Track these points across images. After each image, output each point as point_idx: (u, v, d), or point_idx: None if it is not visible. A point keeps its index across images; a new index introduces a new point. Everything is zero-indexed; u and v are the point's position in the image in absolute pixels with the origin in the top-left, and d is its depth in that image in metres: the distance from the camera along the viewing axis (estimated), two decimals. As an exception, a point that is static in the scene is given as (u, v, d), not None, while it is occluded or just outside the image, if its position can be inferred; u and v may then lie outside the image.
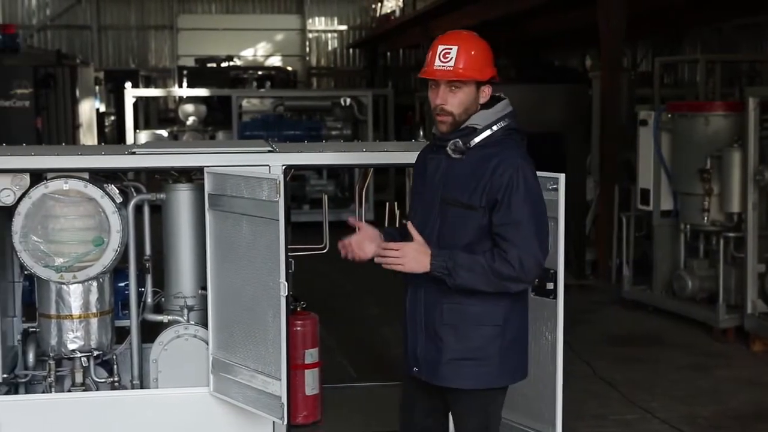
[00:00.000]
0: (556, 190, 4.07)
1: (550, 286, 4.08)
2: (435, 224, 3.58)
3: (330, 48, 29.03)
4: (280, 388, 4.53)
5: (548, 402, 4.14)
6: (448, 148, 3.58)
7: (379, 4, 26.29)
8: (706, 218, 8.23)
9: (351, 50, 29.10)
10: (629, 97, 10.78)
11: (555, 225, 4.07)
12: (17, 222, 4.92)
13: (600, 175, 10.44)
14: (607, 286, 9.85)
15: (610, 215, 9.96)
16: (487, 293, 3.51)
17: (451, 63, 3.51)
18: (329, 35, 29.05)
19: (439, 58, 3.53)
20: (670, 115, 8.70)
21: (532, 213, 3.51)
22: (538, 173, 4.12)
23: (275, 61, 28.15)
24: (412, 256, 3.50)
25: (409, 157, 4.95)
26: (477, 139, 3.56)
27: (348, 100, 15.25)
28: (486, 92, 3.61)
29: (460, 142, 3.55)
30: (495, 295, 3.53)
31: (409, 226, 3.58)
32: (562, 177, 4.08)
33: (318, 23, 28.94)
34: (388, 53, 27.13)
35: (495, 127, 3.58)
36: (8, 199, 4.91)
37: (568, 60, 21.01)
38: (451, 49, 3.53)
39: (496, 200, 3.48)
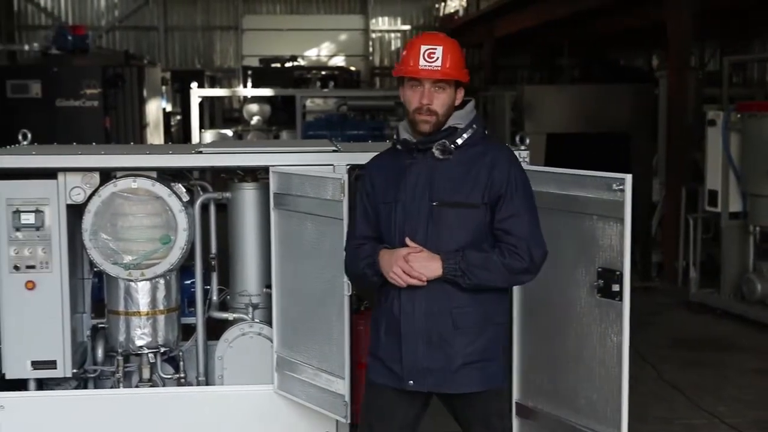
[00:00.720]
0: (623, 190, 4.01)
1: (615, 287, 4.02)
2: (426, 230, 3.54)
3: (393, 48, 29.04)
4: (344, 387, 4.54)
5: (613, 404, 4.08)
6: (434, 150, 3.56)
7: (443, 4, 26.25)
8: (776, 220, 8.09)
9: (414, 50, 29.07)
10: (697, 96, 10.63)
11: (621, 226, 4.02)
12: (87, 220, 5.01)
13: (666, 175, 10.32)
14: (673, 288, 9.73)
15: (677, 217, 9.83)
16: (490, 292, 3.53)
17: (438, 63, 3.52)
18: (392, 35, 29.08)
19: (424, 58, 3.53)
20: (739, 115, 8.56)
21: (530, 204, 3.58)
22: (604, 174, 4.10)
23: (339, 61, 28.27)
24: (422, 265, 3.49)
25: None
26: (463, 138, 3.58)
27: (411, 100, 15.21)
28: (460, 95, 3.64)
29: (448, 143, 3.55)
30: (497, 293, 3.57)
31: (408, 240, 3.53)
32: (628, 178, 4.02)
33: (381, 23, 28.99)
34: (452, 53, 27.04)
35: (475, 125, 3.62)
36: (79, 198, 5.00)
37: (633, 59, 20.77)
38: (435, 49, 3.54)
39: (499, 196, 3.51)
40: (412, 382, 3.57)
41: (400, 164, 3.65)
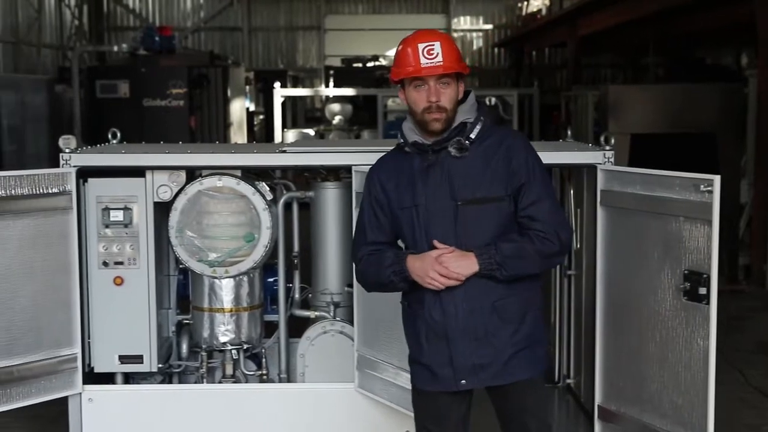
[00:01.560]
0: (711, 192, 3.94)
1: (702, 291, 3.95)
2: (455, 230, 3.49)
3: (475, 47, 28.93)
4: (424, 387, 4.53)
5: (699, 410, 4.01)
6: (450, 148, 3.51)
7: (525, 3, 26.05)
8: None
9: (496, 49, 28.94)
10: (788, 95, 10.36)
11: (708, 228, 3.95)
12: (173, 217, 5.10)
13: (755, 176, 10.09)
14: (761, 291, 9.51)
15: (766, 218, 9.61)
16: (525, 279, 3.50)
17: (439, 58, 3.46)
18: (474, 34, 28.97)
19: (424, 56, 3.46)
20: (832, 115, 8.34)
21: (549, 188, 3.59)
22: (692, 175, 4.03)
23: (420, 60, 28.17)
24: (457, 264, 3.44)
25: (557, 157, 4.90)
26: (475, 132, 3.53)
27: (493, 100, 15.20)
28: (462, 87, 3.59)
29: (462, 139, 3.51)
30: (531, 279, 3.54)
31: (436, 243, 3.47)
32: (717, 179, 3.94)
33: (463, 22, 28.90)
34: (534, 52, 26.86)
35: (483, 117, 3.58)
36: (165, 195, 5.09)
37: (721, 57, 20.33)
38: (434, 45, 3.48)
39: (522, 184, 3.49)
40: (464, 381, 3.55)
41: (411, 167, 3.59)
